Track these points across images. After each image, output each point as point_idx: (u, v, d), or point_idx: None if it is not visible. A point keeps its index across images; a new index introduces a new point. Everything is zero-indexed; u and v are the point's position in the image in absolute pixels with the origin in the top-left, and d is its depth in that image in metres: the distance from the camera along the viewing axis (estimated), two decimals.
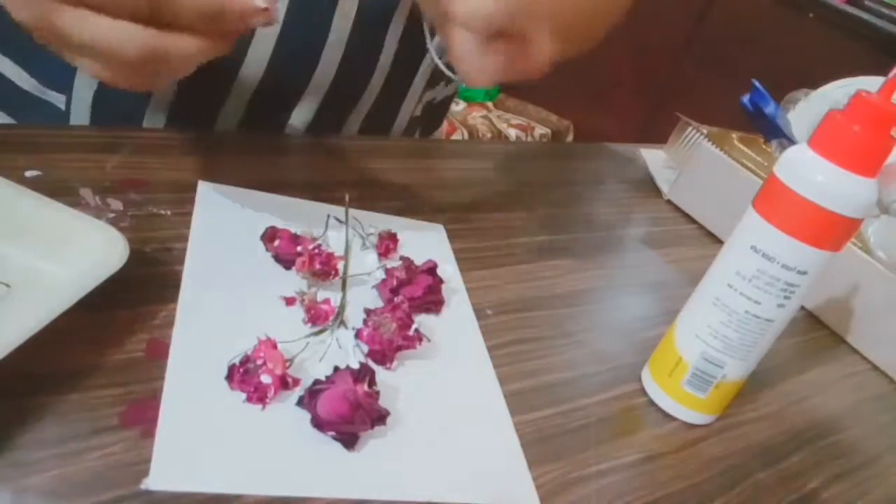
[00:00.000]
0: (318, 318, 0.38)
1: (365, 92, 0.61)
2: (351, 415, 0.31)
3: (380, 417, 0.33)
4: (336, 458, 0.31)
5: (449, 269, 0.46)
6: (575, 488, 0.35)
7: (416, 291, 0.41)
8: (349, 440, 0.32)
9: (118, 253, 0.34)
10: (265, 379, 0.33)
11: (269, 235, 0.42)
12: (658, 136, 0.82)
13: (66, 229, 0.35)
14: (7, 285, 0.33)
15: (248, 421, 0.32)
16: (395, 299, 0.40)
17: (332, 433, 0.32)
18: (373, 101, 0.63)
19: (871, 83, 0.58)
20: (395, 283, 0.41)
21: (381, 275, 0.43)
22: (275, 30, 0.53)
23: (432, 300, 0.42)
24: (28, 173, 0.41)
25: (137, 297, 0.36)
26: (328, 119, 0.61)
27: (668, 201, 0.70)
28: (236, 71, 0.54)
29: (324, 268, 0.41)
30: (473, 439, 0.35)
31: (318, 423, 0.32)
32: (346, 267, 0.42)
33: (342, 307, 0.39)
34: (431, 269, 0.42)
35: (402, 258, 0.43)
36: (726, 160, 0.64)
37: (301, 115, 0.59)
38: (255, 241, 0.42)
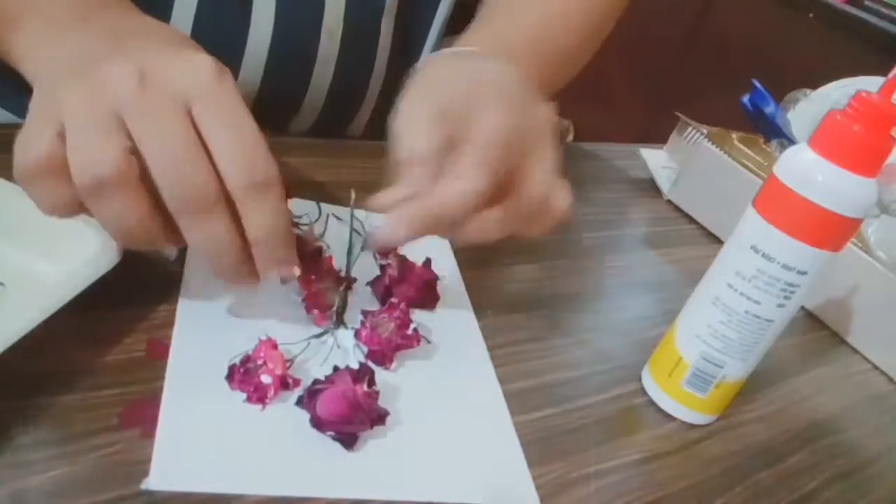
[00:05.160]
0: (319, 318, 0.38)
1: (364, 98, 0.61)
2: (350, 415, 0.31)
3: (379, 417, 0.33)
4: (335, 459, 0.31)
5: (449, 269, 0.46)
6: (575, 488, 0.35)
7: (409, 289, 0.41)
8: (348, 440, 0.32)
9: (112, 252, 0.34)
10: (265, 379, 0.33)
11: None
12: (658, 136, 0.82)
13: (61, 228, 0.35)
14: (2, 284, 0.33)
15: (248, 421, 0.32)
16: (392, 300, 0.40)
17: (332, 433, 0.32)
18: (372, 106, 0.63)
19: (871, 83, 0.58)
20: (388, 280, 0.41)
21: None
22: (264, 49, 0.53)
23: (427, 296, 0.42)
24: None
25: (137, 297, 0.36)
26: (326, 133, 0.61)
27: (668, 201, 0.70)
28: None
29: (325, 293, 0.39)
30: (473, 439, 0.35)
31: (318, 424, 0.32)
32: (348, 266, 0.42)
33: (343, 307, 0.39)
34: (426, 264, 0.42)
35: (394, 255, 0.43)
36: (726, 160, 0.64)
37: (299, 127, 0.60)
38: None
